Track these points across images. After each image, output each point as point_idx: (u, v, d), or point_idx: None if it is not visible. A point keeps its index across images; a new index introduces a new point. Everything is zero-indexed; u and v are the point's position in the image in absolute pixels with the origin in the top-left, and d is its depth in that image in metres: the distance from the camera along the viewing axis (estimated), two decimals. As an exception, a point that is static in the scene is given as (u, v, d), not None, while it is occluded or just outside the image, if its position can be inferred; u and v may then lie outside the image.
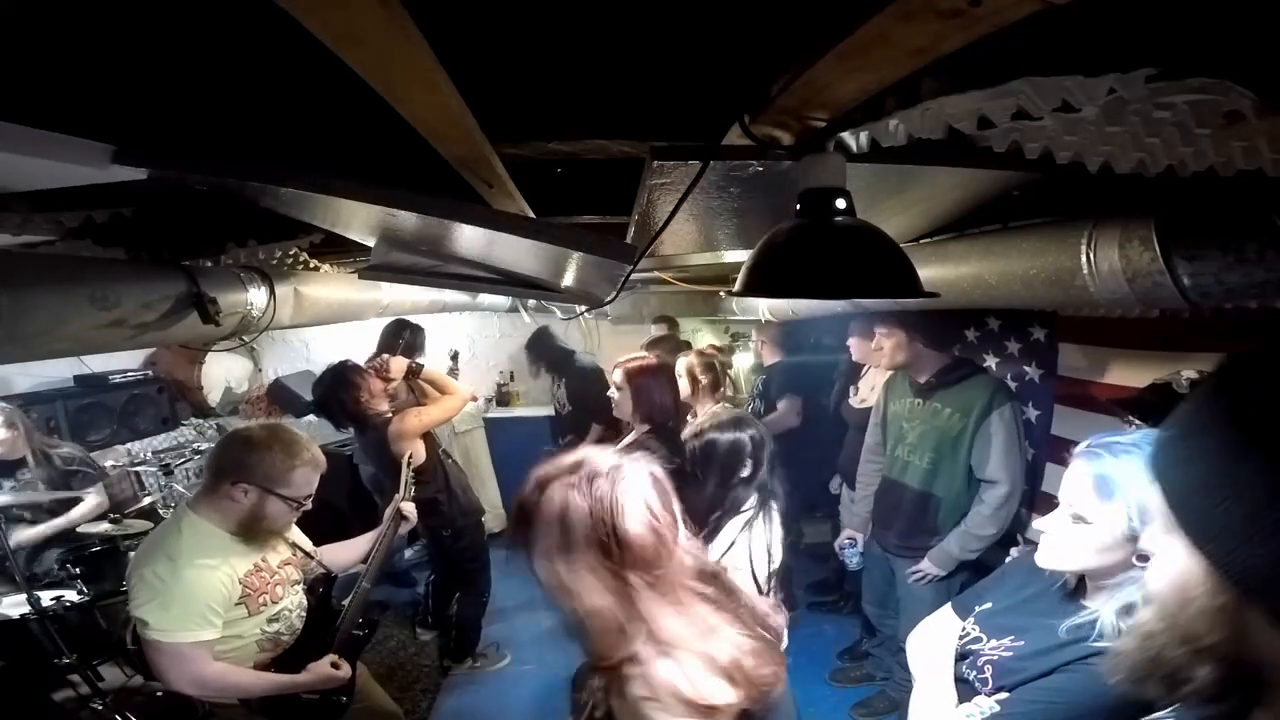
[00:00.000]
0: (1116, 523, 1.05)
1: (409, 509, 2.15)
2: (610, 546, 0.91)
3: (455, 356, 3.91)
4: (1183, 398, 1.57)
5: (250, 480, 1.57)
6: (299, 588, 1.78)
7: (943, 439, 2.31)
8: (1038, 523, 1.20)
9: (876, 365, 3.02)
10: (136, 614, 1.47)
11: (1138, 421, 1.67)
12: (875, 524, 2.64)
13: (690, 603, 0.95)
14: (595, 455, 0.99)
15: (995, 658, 1.19)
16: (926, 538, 2.35)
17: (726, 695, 0.88)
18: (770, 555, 1.78)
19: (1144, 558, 1.03)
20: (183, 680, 1.49)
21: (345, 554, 2.04)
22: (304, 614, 1.78)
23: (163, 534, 1.59)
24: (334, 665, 1.72)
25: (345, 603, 1.90)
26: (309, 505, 1.70)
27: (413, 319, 3.57)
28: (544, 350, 4.35)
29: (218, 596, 1.51)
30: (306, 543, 1.92)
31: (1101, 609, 1.08)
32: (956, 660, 1.28)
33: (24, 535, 2.54)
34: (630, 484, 0.95)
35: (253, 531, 1.61)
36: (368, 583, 1.96)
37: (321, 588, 1.88)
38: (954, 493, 2.30)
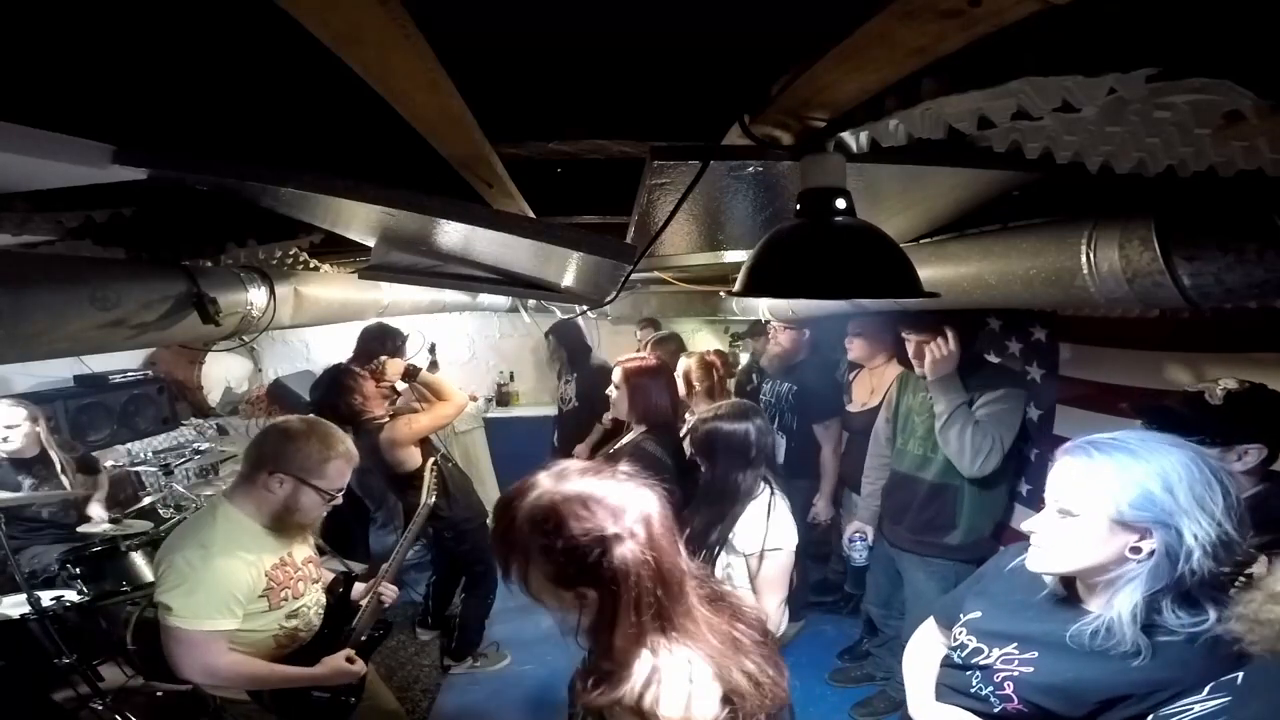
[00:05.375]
0: (1102, 509, 1.02)
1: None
2: (621, 577, 0.88)
3: (433, 349, 3.72)
4: (1215, 410, 1.43)
5: (287, 470, 1.60)
6: (319, 586, 1.81)
7: None
8: (1025, 525, 1.16)
9: (873, 366, 3.02)
10: (162, 599, 1.48)
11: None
12: (886, 519, 2.63)
13: (696, 624, 0.93)
14: (595, 484, 0.94)
15: (1015, 674, 1.12)
16: (942, 533, 2.36)
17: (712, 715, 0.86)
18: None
19: (1138, 549, 1.01)
20: (195, 669, 1.49)
21: None
22: (322, 612, 1.80)
23: (197, 522, 1.61)
24: (349, 660, 1.72)
25: (363, 603, 1.91)
26: (339, 499, 1.72)
27: (391, 323, 3.47)
28: (568, 339, 4.34)
29: (243, 587, 1.53)
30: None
31: (1107, 612, 1.04)
32: (961, 670, 1.22)
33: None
34: (645, 516, 0.92)
35: (284, 524, 1.65)
36: (388, 581, 1.98)
37: (341, 587, 1.90)
38: (969, 484, 2.31)
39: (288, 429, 1.67)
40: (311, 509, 1.66)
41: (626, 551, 0.88)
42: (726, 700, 0.88)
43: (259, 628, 1.60)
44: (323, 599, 1.81)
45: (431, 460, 2.53)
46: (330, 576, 1.94)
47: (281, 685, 1.63)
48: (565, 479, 0.95)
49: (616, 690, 0.86)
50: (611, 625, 0.89)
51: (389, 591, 2.00)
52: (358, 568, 4.11)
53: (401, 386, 3.09)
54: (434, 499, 2.32)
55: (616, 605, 0.88)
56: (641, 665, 0.88)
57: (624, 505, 0.92)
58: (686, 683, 0.87)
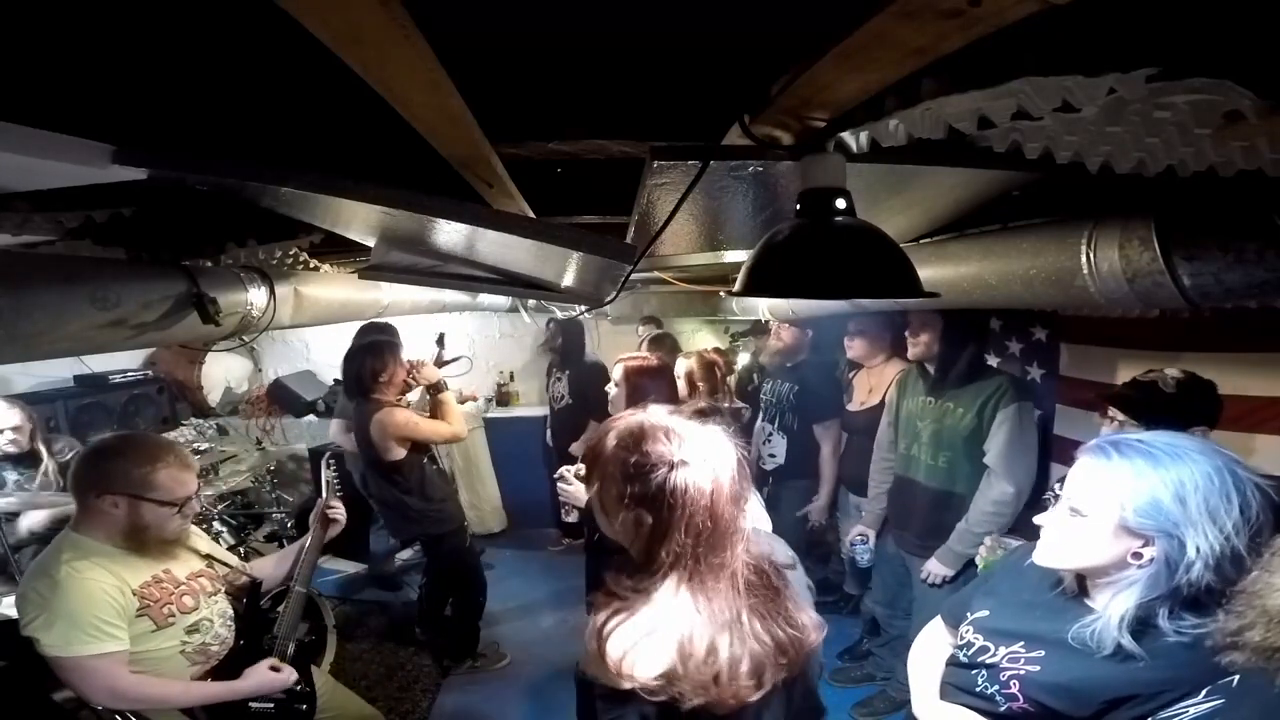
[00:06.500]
0: (1108, 513, 1.02)
1: (336, 513, 2.07)
2: (682, 522, 0.93)
3: (440, 340, 3.56)
4: (1170, 397, 1.58)
5: (114, 490, 1.52)
6: (218, 598, 1.73)
7: (955, 438, 2.31)
8: (1037, 519, 1.17)
9: (871, 365, 3.02)
10: (26, 634, 1.44)
11: (1122, 417, 1.64)
12: (893, 523, 2.63)
13: (718, 582, 0.94)
14: (691, 429, 1.00)
15: (1021, 673, 1.11)
16: (948, 536, 2.33)
17: (650, 681, 0.87)
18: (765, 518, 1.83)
19: (1139, 555, 1.01)
20: (97, 693, 1.46)
21: (276, 565, 2.02)
22: (231, 623, 1.74)
23: (44, 556, 1.55)
24: (273, 669, 1.68)
25: (280, 609, 1.86)
26: (194, 507, 1.65)
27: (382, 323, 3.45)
28: (570, 333, 4.36)
29: (106, 609, 1.47)
30: (229, 556, 1.89)
31: (1104, 612, 1.04)
32: (967, 669, 1.21)
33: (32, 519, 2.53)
34: (722, 466, 0.97)
35: (142, 541, 1.57)
36: (300, 586, 1.93)
37: (246, 596, 1.83)
38: (975, 491, 2.28)
39: (102, 448, 1.58)
40: (163, 522, 1.57)
41: (689, 476, 0.94)
42: (668, 675, 0.88)
43: (156, 647, 1.54)
44: (228, 610, 1.75)
45: (326, 456, 2.47)
46: (242, 583, 1.87)
47: (203, 703, 1.58)
48: (658, 414, 1.03)
49: (631, 585, 0.94)
50: (653, 540, 0.95)
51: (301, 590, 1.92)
52: (355, 567, 4.14)
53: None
54: (334, 500, 2.19)
55: (664, 526, 0.94)
56: (646, 587, 0.94)
57: (703, 444, 0.98)
58: (646, 633, 0.90)
